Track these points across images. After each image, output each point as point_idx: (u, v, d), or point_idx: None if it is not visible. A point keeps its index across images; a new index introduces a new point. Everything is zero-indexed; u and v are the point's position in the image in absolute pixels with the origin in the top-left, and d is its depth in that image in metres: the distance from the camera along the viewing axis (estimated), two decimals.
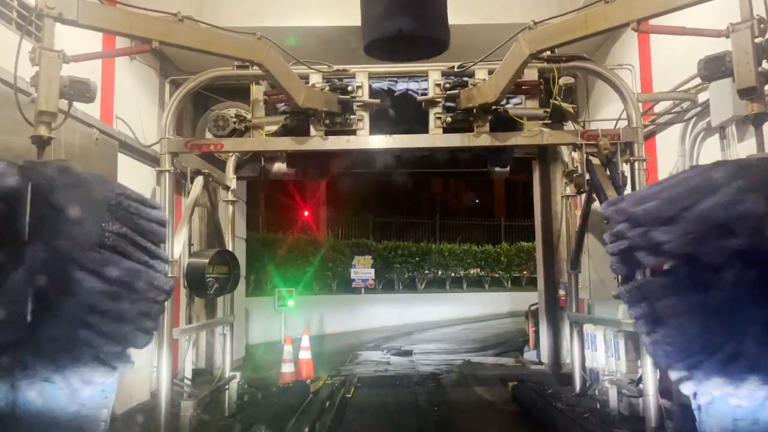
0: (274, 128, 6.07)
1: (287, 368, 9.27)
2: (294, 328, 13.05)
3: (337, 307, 18.37)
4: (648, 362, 5.56)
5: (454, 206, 30.03)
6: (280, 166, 8.15)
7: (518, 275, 24.02)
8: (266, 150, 6.39)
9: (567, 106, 6.35)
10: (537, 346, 11.91)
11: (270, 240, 18.93)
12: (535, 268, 23.00)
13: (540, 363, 11.42)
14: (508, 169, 7.88)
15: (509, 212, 27.83)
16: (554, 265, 11.15)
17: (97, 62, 7.45)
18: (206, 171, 6.76)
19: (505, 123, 5.94)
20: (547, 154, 11.19)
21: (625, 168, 5.91)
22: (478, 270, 23.58)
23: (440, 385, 9.86)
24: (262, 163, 8.10)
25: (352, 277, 19.10)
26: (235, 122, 6.95)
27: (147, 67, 8.59)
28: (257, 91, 5.96)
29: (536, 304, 12.39)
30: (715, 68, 4.21)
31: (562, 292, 10.82)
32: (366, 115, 5.83)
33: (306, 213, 22.65)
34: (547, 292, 11.27)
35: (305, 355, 9.93)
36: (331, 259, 19.72)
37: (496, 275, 23.78)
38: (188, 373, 7.50)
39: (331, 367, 11.42)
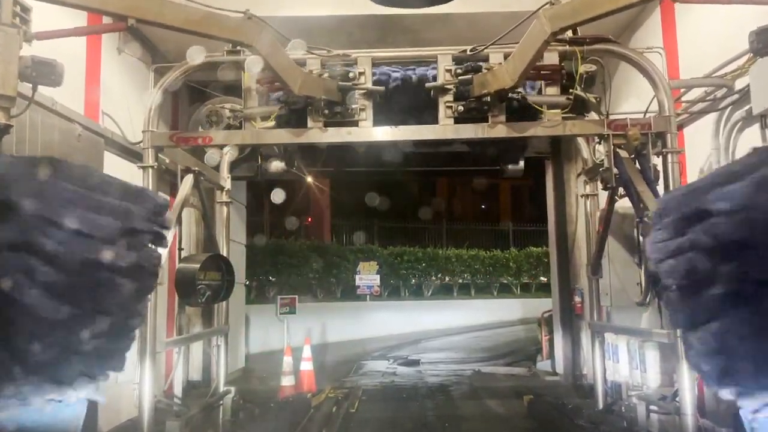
0: (270, 124, 5.55)
1: (287, 381, 8.71)
2: (297, 337, 12.54)
3: (342, 314, 17.85)
4: (685, 377, 4.97)
5: (461, 211, 29.47)
6: (278, 165, 7.61)
7: (527, 281, 23.43)
8: (260, 143, 5.84)
9: (589, 96, 5.78)
10: (551, 355, 11.33)
11: (272, 246, 18.41)
12: (545, 273, 22.74)
13: (555, 374, 10.82)
14: (522, 165, 7.30)
15: (518, 216, 27.24)
16: (569, 270, 10.58)
17: (80, 54, 6.98)
18: (196, 169, 6.21)
19: (522, 113, 5.38)
20: (560, 153, 10.65)
21: (656, 161, 5.35)
22: (487, 276, 22.98)
23: (450, 398, 9.29)
24: (259, 161, 7.56)
25: (356, 284, 18.52)
26: (229, 117, 6.43)
27: (137, 61, 8.09)
28: (249, 80, 5.42)
29: (549, 311, 11.85)
30: None
31: (577, 298, 10.26)
32: (369, 105, 5.29)
33: (309, 219, 22.17)
34: (562, 298, 10.69)
35: (306, 366, 9.37)
36: (336, 265, 19.18)
37: (505, 281, 23.18)
38: (178, 388, 6.97)
39: (334, 378, 10.87)
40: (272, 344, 14.12)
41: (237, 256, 11.91)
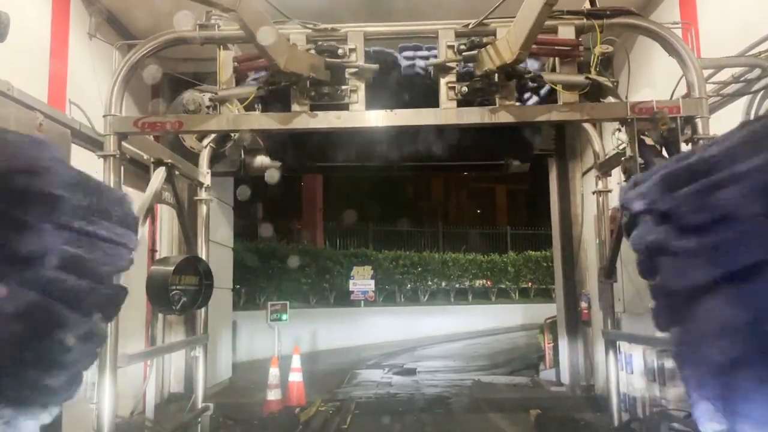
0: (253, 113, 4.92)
1: (273, 395, 8.02)
2: (288, 344, 11.94)
3: (335, 321, 17.22)
4: None
5: (457, 214, 28.89)
6: (263, 160, 7.00)
7: (526, 286, 22.85)
8: (237, 129, 5.21)
9: (605, 80, 5.19)
10: (556, 364, 10.72)
11: (263, 249, 17.74)
12: (543, 278, 22.16)
13: (560, 384, 10.21)
14: (528, 161, 6.71)
15: (515, 219, 26.69)
16: (575, 274, 9.99)
17: (44, 38, 6.39)
18: (169, 161, 5.57)
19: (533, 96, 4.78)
20: (565, 150, 10.08)
21: (685, 149, 4.75)
22: (484, 281, 22.37)
23: (449, 411, 8.65)
24: (242, 155, 6.94)
25: (350, 289, 17.91)
26: (209, 106, 5.83)
27: (110, 47, 7.46)
28: (226, 58, 4.79)
29: (553, 317, 11.25)
30: None
31: (584, 304, 9.68)
32: (361, 86, 4.67)
33: (301, 222, 21.53)
34: (567, 304, 10.10)
35: (296, 377, 8.70)
36: (329, 270, 18.53)
37: (503, 286, 22.57)
38: (150, 405, 6.33)
39: (325, 389, 10.21)
40: (262, 352, 13.50)
41: (224, 260, 11.28)
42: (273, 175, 7.22)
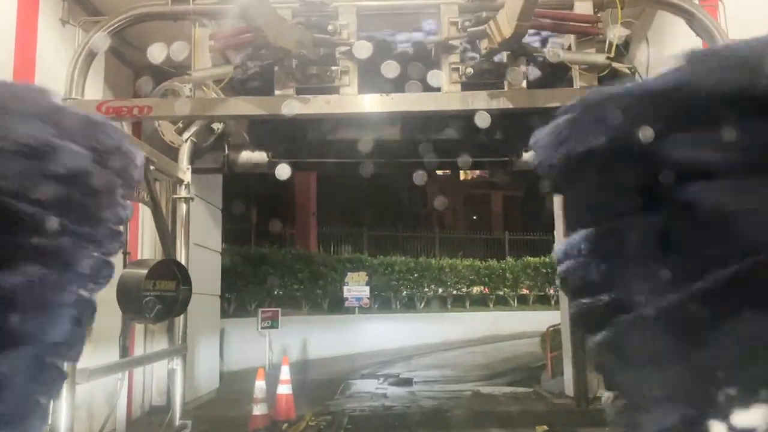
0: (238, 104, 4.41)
1: (259, 409, 7.45)
2: (279, 353, 11.42)
3: (328, 328, 16.67)
4: None
5: (453, 219, 28.40)
6: (249, 156, 6.49)
7: (524, 293, 22.32)
8: (213, 114, 4.69)
9: (622, 66, 4.71)
10: (558, 374, 10.21)
11: (254, 254, 17.18)
12: (543, 285, 21.64)
13: (564, 396, 9.68)
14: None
15: (513, 225, 26.19)
16: None
17: (9, 23, 5.87)
18: (143, 154, 5.06)
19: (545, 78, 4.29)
20: None
21: None
22: (482, 287, 21.83)
23: (448, 426, 8.13)
24: (226, 151, 6.42)
25: (345, 296, 17.35)
26: (189, 96, 5.34)
27: (83, 34, 6.95)
28: (201, 35, 4.27)
29: (556, 325, 10.76)
30: None
31: None
32: (353, 67, 4.16)
33: (294, 226, 21.01)
34: None
35: (284, 389, 8.15)
36: (322, 275, 17.97)
37: (501, 293, 22.04)
38: (122, 423, 5.78)
39: (317, 401, 9.65)
40: (252, 361, 12.97)
41: (211, 265, 10.74)
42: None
